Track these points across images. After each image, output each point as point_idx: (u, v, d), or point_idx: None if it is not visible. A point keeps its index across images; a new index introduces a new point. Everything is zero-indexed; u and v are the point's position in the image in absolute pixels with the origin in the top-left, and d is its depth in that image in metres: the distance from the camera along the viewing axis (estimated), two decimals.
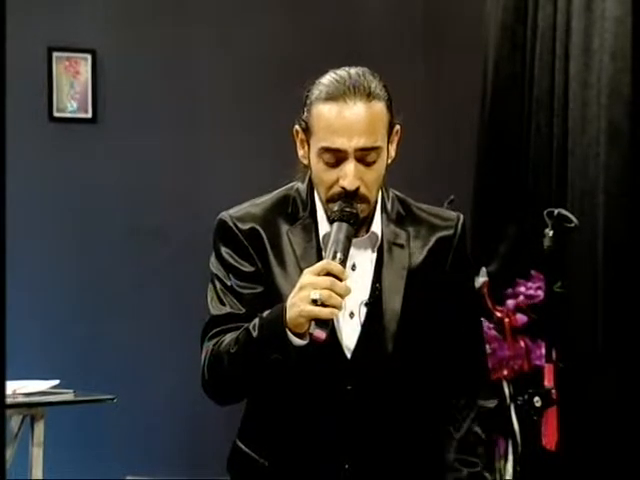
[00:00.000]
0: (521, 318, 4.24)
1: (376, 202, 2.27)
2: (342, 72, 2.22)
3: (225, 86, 4.88)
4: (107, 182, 4.70)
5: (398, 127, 2.26)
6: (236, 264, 2.24)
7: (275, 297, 2.20)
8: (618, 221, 4.10)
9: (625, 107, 4.09)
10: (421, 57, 5.07)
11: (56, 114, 4.64)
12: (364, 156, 2.17)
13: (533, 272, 4.24)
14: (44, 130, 4.61)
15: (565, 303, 4.09)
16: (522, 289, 4.25)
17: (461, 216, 2.36)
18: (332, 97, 2.18)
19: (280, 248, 2.24)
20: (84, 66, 4.67)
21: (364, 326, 2.23)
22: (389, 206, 2.30)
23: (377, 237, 2.26)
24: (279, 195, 2.31)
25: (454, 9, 5.09)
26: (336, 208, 2.16)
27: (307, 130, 2.21)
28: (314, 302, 2.05)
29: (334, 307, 2.06)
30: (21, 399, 3.59)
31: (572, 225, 3.82)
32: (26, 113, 4.55)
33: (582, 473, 4.09)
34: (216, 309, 2.24)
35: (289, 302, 2.09)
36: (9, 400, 3.53)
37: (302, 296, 2.07)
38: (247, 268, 2.23)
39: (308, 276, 2.09)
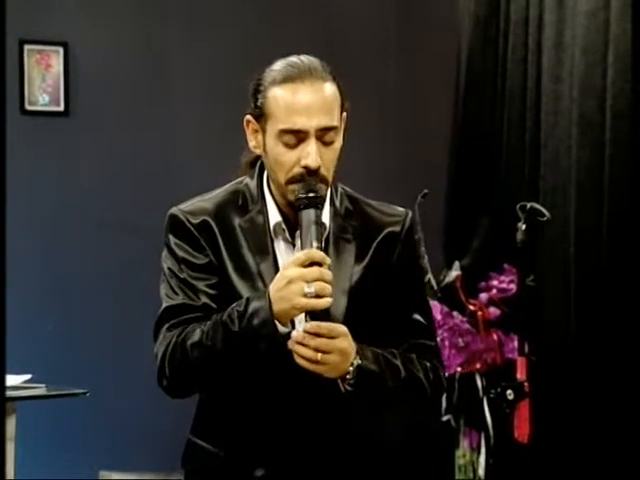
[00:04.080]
0: (494, 311, 4.25)
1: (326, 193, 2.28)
2: (293, 58, 2.26)
3: (199, 81, 4.86)
4: (78, 175, 4.68)
5: (345, 114, 2.28)
6: (188, 256, 2.25)
7: (229, 288, 2.22)
8: (589, 214, 4.12)
9: (596, 101, 4.11)
10: (394, 53, 5.07)
11: (28, 107, 4.62)
12: (323, 136, 2.19)
13: (506, 266, 4.25)
14: (15, 123, 4.59)
15: (537, 296, 4.12)
16: (495, 282, 4.27)
17: (409, 212, 2.37)
18: (288, 79, 2.21)
19: (232, 240, 2.26)
20: (56, 59, 4.65)
21: (310, 317, 2.22)
22: (337, 201, 2.32)
23: (325, 227, 2.27)
24: (229, 189, 2.33)
25: (427, 5, 5.10)
26: (300, 195, 2.18)
27: (262, 116, 2.23)
28: (307, 295, 2.09)
29: (328, 297, 2.11)
30: None
31: (544, 219, 3.84)
32: None
33: (554, 466, 4.11)
34: (170, 301, 2.25)
35: (276, 295, 2.12)
36: None
37: (294, 290, 2.10)
38: (200, 260, 2.25)
39: (294, 269, 2.12)
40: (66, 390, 3.75)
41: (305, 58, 2.26)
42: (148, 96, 4.78)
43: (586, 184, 4.13)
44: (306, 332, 2.11)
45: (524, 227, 3.79)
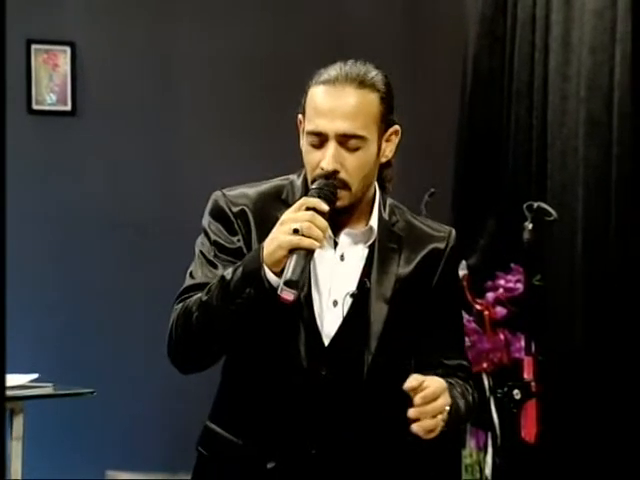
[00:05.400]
0: (501, 311, 4.25)
1: (373, 201, 2.29)
2: (345, 61, 2.25)
3: (206, 81, 4.86)
4: (87, 175, 4.69)
5: (397, 127, 2.29)
6: (221, 240, 2.26)
7: None
8: (597, 214, 4.12)
9: (603, 100, 4.11)
10: (401, 52, 5.07)
11: (35, 107, 4.62)
12: (346, 141, 2.19)
13: (513, 265, 4.25)
14: (23, 123, 4.59)
15: (544, 296, 4.11)
16: (502, 282, 4.26)
17: (453, 231, 2.38)
18: (325, 81, 2.21)
19: (267, 233, 2.24)
20: (63, 58, 4.65)
21: (347, 317, 2.24)
22: (386, 210, 2.32)
23: (373, 233, 2.28)
24: (275, 183, 2.33)
25: (434, 3, 5.09)
26: (313, 186, 2.18)
27: (304, 116, 2.25)
28: (295, 232, 2.08)
29: (315, 239, 2.08)
30: None
31: (551, 218, 3.84)
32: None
33: (561, 465, 4.11)
34: (190, 280, 2.26)
35: (268, 239, 2.12)
36: None
37: (282, 230, 2.10)
38: (232, 245, 2.25)
39: (288, 213, 2.13)
40: (73, 389, 3.76)
41: (354, 63, 2.25)
42: (155, 95, 4.78)
43: (593, 183, 4.12)
44: (418, 405, 2.10)
45: (531, 226, 3.79)
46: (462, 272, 4.33)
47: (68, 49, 4.65)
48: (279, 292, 2.07)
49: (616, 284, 4.04)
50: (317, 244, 2.09)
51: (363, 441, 2.28)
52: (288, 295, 2.07)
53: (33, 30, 4.60)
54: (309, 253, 2.10)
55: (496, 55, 4.60)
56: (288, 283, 2.06)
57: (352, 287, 2.25)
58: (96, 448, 4.55)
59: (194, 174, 4.77)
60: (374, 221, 2.28)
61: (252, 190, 2.30)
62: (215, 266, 2.23)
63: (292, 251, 2.08)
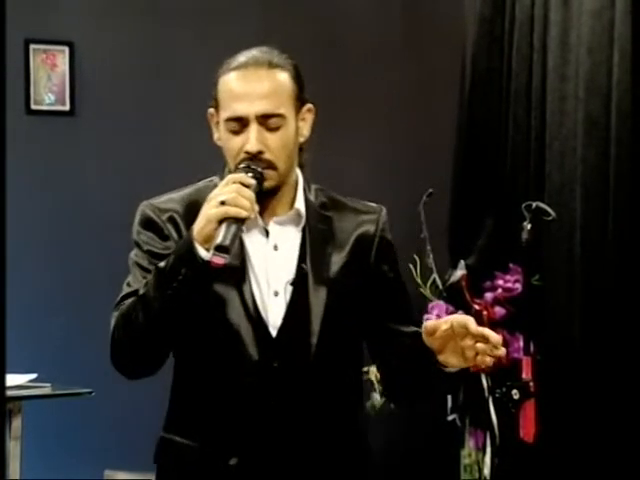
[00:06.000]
0: (499, 311, 4.25)
1: (296, 183, 2.30)
2: (249, 50, 2.29)
3: (206, 81, 4.85)
4: (85, 175, 4.68)
5: (310, 105, 2.30)
6: (154, 248, 2.27)
7: None
8: (595, 214, 4.12)
9: (602, 100, 4.11)
10: (399, 52, 5.07)
11: (33, 107, 4.62)
12: (266, 121, 2.22)
13: (511, 265, 4.25)
14: (21, 123, 4.59)
15: (543, 296, 4.12)
16: (500, 282, 4.27)
17: (384, 209, 2.37)
18: (237, 67, 2.25)
19: None
20: (62, 58, 4.65)
21: (290, 305, 2.24)
22: (312, 193, 2.33)
23: (301, 216, 2.29)
24: (199, 186, 2.37)
25: (433, 4, 5.10)
26: (240, 166, 2.21)
27: (217, 107, 2.28)
28: (222, 204, 2.10)
29: (242, 208, 2.10)
30: None
31: (550, 218, 3.84)
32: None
33: (559, 465, 4.11)
34: (127, 289, 2.28)
35: (197, 219, 2.14)
36: None
37: (209, 206, 2.13)
38: (165, 251, 2.25)
39: (214, 192, 2.16)
40: (71, 389, 3.76)
41: (260, 49, 2.29)
42: (154, 95, 4.78)
43: (592, 183, 4.13)
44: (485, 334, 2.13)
45: (529, 226, 3.79)
46: (461, 272, 4.33)
47: (67, 49, 4.65)
48: (210, 258, 2.09)
49: (614, 284, 4.04)
50: (245, 213, 2.11)
51: (316, 429, 2.25)
52: (219, 260, 2.09)
53: (32, 30, 4.60)
54: (238, 222, 2.12)
55: (495, 55, 4.60)
56: (218, 248, 2.08)
57: (290, 275, 2.25)
58: (94, 448, 4.55)
59: (193, 174, 4.76)
60: (300, 204, 2.29)
61: (177, 195, 2.34)
62: (150, 272, 2.23)
63: (221, 223, 2.10)
